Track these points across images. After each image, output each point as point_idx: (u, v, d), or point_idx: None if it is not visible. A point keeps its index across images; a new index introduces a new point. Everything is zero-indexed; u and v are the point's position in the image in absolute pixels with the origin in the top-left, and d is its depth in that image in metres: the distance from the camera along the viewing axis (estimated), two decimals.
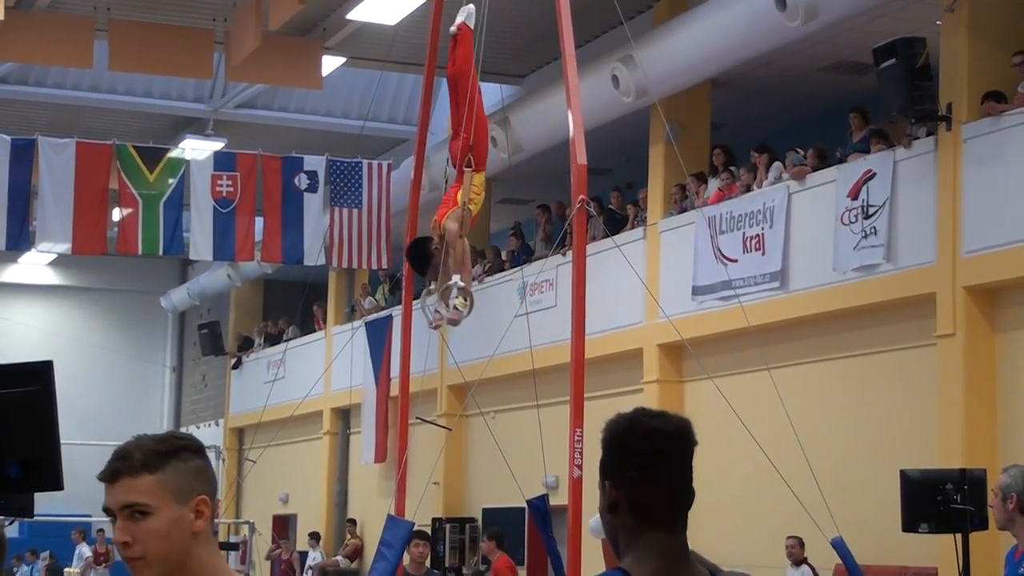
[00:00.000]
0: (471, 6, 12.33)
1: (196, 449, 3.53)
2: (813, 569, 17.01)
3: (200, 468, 3.52)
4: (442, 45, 13.57)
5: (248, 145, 22.89)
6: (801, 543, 16.83)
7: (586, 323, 10.24)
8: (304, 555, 29.86)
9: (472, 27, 12.29)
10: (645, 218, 20.83)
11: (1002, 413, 15.35)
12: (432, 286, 12.12)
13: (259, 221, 21.05)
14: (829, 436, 16.37)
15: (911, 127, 16.24)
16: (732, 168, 19.61)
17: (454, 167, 12.16)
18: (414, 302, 14.21)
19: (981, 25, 15.82)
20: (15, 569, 29.75)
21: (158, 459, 3.43)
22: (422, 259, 12.00)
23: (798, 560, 17.07)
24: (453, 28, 12.31)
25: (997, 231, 15.09)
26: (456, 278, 11.60)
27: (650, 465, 3.50)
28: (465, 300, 11.61)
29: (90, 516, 32.69)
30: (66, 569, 28.89)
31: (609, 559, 3.62)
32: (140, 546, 3.40)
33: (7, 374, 4.86)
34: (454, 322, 11.88)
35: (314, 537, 30.05)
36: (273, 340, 34.77)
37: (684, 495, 3.56)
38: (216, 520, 22.97)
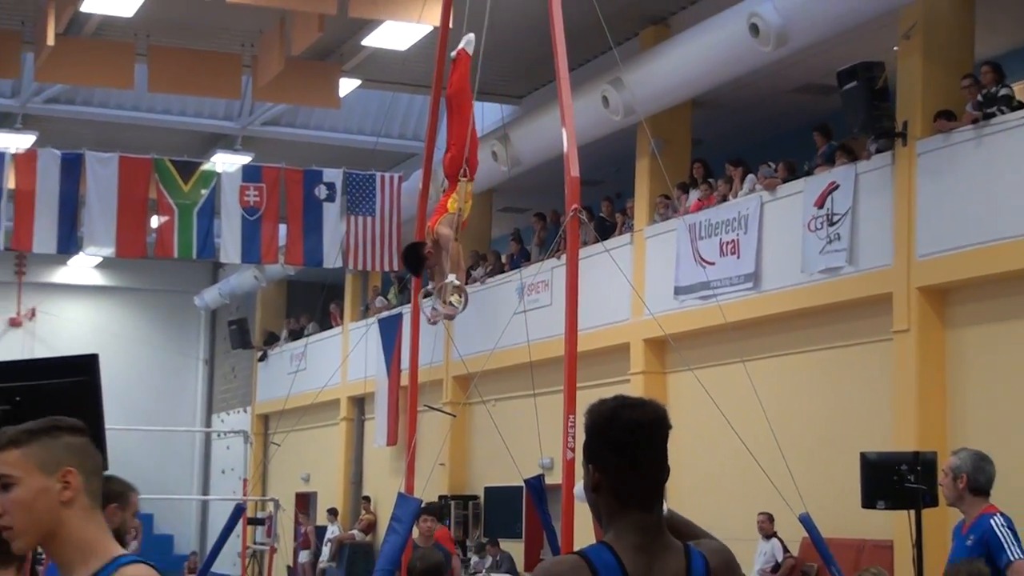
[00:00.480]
0: (471, 35, 12.33)
1: (71, 428, 3.51)
2: (782, 542, 17.05)
3: (71, 444, 3.49)
4: (448, 69, 13.59)
5: (273, 159, 22.88)
6: (771, 518, 16.86)
7: (578, 320, 10.23)
8: (323, 529, 29.88)
9: (471, 53, 12.26)
10: (632, 225, 20.85)
11: (951, 402, 15.37)
12: (433, 285, 12.15)
13: (283, 228, 21.08)
14: (797, 422, 16.39)
15: (871, 143, 16.26)
16: (710, 180, 19.64)
17: (446, 178, 12.19)
18: (422, 301, 14.24)
19: (933, 51, 15.84)
20: None
21: (26, 436, 3.43)
22: (416, 262, 12.06)
23: (768, 534, 17.10)
24: (453, 53, 12.32)
25: (948, 237, 15.11)
26: (451, 277, 11.63)
27: (629, 453, 3.55)
28: (460, 297, 11.64)
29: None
30: None
31: (597, 531, 3.66)
32: (9, 516, 3.39)
33: (58, 366, 4.89)
34: (450, 316, 11.91)
35: (332, 512, 30.05)
36: (295, 335, 34.76)
37: (659, 477, 3.59)
38: (245, 497, 23.00)
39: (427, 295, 15.85)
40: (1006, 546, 7.59)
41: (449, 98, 12.28)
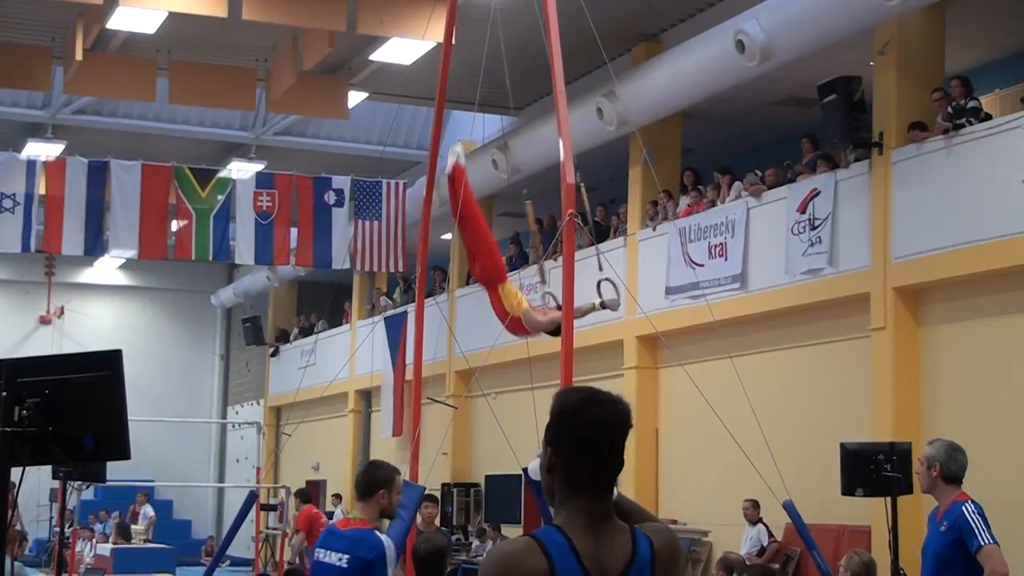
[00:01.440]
0: (458, 146, 12.14)
1: None
2: (767, 527, 17.02)
3: None
4: (451, 84, 13.56)
5: (285, 167, 22.85)
6: (756, 505, 16.82)
7: (574, 318, 10.23)
8: (330, 515, 29.86)
9: (464, 165, 11.95)
10: (625, 229, 20.84)
11: (924, 395, 15.37)
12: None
13: (294, 231, 21.04)
14: (781, 414, 16.37)
15: (849, 152, 16.25)
16: (699, 187, 19.63)
17: (483, 286, 12.17)
18: (426, 299, 14.21)
19: (907, 66, 15.85)
20: (92, 525, 29.71)
21: None
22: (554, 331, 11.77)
23: (753, 520, 17.06)
24: (448, 170, 11.93)
25: (921, 240, 15.11)
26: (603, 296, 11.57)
27: (589, 447, 3.54)
28: (610, 287, 11.57)
29: (153, 481, 32.73)
30: (132, 527, 28.82)
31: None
32: None
33: (84, 361, 4.86)
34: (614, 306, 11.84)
35: (336, 497, 30.07)
36: (306, 332, 34.75)
37: (613, 470, 3.58)
38: (258, 485, 22.95)
39: (430, 295, 15.77)
40: (977, 532, 7.60)
41: (461, 218, 11.96)
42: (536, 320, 11.58)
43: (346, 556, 7.22)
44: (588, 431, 3.52)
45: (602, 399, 3.57)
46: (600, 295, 11.73)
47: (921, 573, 7.99)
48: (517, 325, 11.76)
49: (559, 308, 11.20)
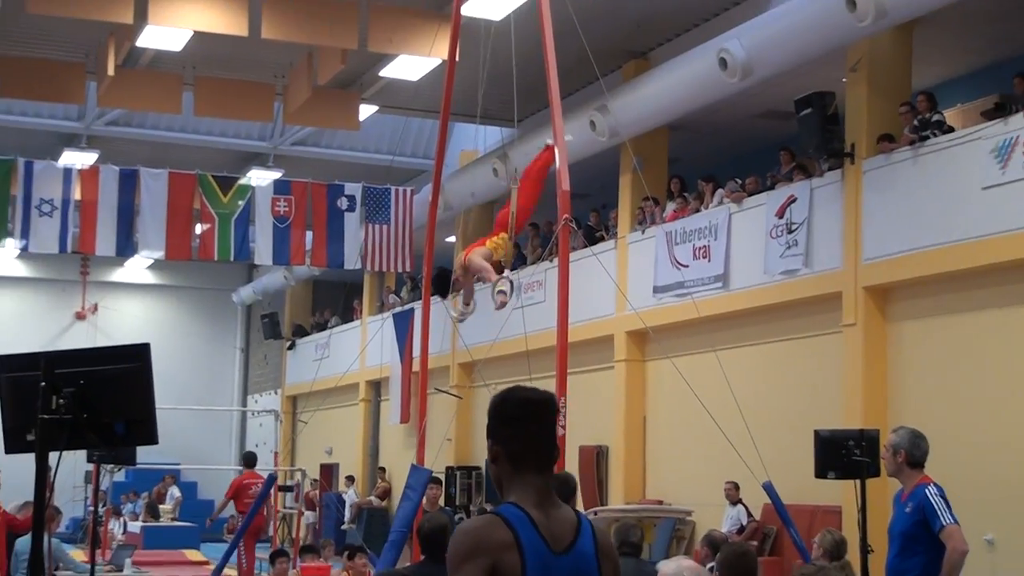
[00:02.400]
0: (571, 137, 12.38)
1: None
2: (747, 507, 17.03)
3: None
4: (455, 98, 13.55)
5: (301, 175, 22.85)
6: (736, 487, 16.84)
7: (569, 314, 10.23)
8: (340, 496, 29.89)
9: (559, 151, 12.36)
10: (616, 233, 20.82)
11: (891, 386, 15.38)
12: (457, 298, 12.12)
13: (309, 234, 21.06)
14: (760, 403, 16.36)
15: (823, 162, 16.25)
16: (685, 194, 19.62)
17: (496, 223, 12.14)
18: (432, 297, 14.20)
19: (877, 82, 15.85)
20: (122, 506, 29.70)
21: None
22: (442, 286, 12.01)
23: (734, 500, 17.08)
24: (549, 140, 12.26)
25: (889, 243, 15.12)
26: (496, 279, 11.61)
27: (519, 425, 3.71)
28: (506, 284, 11.59)
29: (179, 464, 32.72)
30: (161, 506, 28.82)
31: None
32: None
33: (114, 354, 4.88)
34: (503, 305, 11.81)
35: (349, 479, 30.08)
36: (320, 327, 34.73)
37: (547, 448, 3.74)
38: (276, 468, 22.95)
39: (434, 294, 15.77)
40: (939, 512, 7.62)
41: (529, 171, 12.39)
42: (480, 263, 11.61)
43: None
44: (516, 411, 3.71)
45: (525, 387, 3.80)
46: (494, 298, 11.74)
47: (888, 551, 8.00)
48: (468, 251, 11.84)
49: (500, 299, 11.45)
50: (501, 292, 11.46)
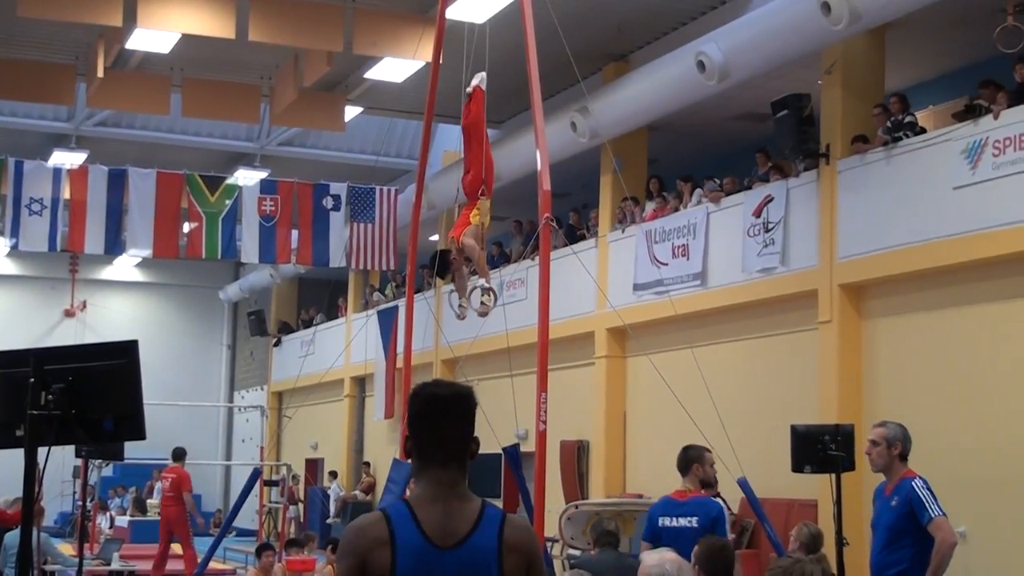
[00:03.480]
0: (483, 73, 12.12)
1: None
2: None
3: None
4: (439, 100, 13.54)
5: (287, 174, 22.80)
6: None
7: (550, 312, 10.22)
8: (326, 491, 29.86)
9: (484, 89, 12.00)
10: (596, 231, 20.83)
11: (866, 382, 15.42)
12: (454, 287, 11.97)
13: (295, 233, 21.01)
14: (737, 399, 16.40)
15: (799, 162, 16.28)
16: (664, 193, 19.63)
17: (466, 196, 11.94)
18: (415, 295, 14.18)
19: (851, 85, 15.89)
20: (109, 501, 29.61)
21: None
22: (443, 266, 11.85)
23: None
24: (469, 88, 12.00)
25: (863, 242, 15.15)
26: (482, 281, 11.54)
27: (424, 421, 3.71)
28: (490, 296, 11.56)
29: (166, 459, 32.57)
30: (148, 501, 28.76)
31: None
32: None
33: (103, 351, 4.85)
34: (483, 314, 11.76)
35: (332, 474, 30.04)
36: (306, 324, 34.69)
37: (454, 444, 3.71)
38: (262, 463, 22.91)
39: (419, 290, 15.73)
40: (927, 505, 7.59)
41: (466, 127, 11.98)
42: (471, 240, 11.53)
43: (695, 518, 8.00)
44: (422, 405, 3.72)
45: (439, 383, 3.79)
46: (472, 303, 11.69)
47: (873, 546, 7.96)
48: (458, 232, 11.65)
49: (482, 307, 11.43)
50: (484, 304, 11.44)
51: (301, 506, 29.92)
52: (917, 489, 7.68)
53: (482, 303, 11.47)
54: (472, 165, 11.79)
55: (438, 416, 3.70)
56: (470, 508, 3.66)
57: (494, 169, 11.87)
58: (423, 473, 3.70)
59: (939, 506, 7.63)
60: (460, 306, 11.88)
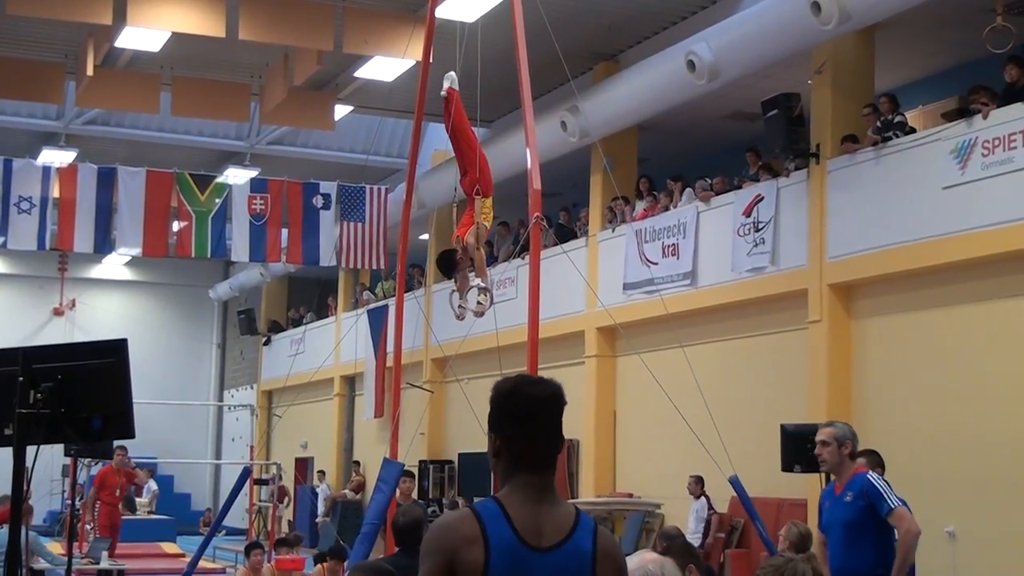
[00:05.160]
0: (452, 73, 12.07)
1: None
2: (709, 500, 17.02)
3: None
4: (429, 99, 13.52)
5: (277, 173, 22.78)
6: (699, 481, 16.79)
7: (539, 311, 10.21)
8: (314, 490, 29.82)
9: (456, 88, 11.93)
10: (587, 231, 20.84)
11: (855, 381, 15.44)
12: (456, 287, 11.89)
13: (284, 232, 21.00)
14: (727, 399, 16.40)
15: (789, 162, 16.29)
16: (654, 193, 19.65)
17: (465, 197, 11.86)
18: (405, 294, 14.15)
19: (841, 85, 15.90)
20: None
21: None
22: (449, 266, 11.74)
23: (696, 494, 17.05)
24: (443, 92, 11.87)
25: (853, 241, 15.17)
26: (477, 281, 11.48)
27: (525, 423, 3.53)
28: (486, 296, 11.51)
29: (156, 458, 32.56)
30: (138, 500, 28.69)
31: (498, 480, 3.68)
32: None
33: (92, 349, 4.85)
34: (480, 314, 11.69)
35: (320, 473, 30.00)
36: (295, 323, 34.66)
37: (553, 445, 3.56)
38: (251, 461, 22.87)
39: (409, 289, 15.71)
40: (885, 496, 7.55)
41: (452, 133, 11.83)
42: (472, 240, 11.45)
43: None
44: (524, 408, 3.52)
45: (533, 380, 3.59)
46: (467, 304, 11.62)
47: (830, 548, 7.87)
48: (463, 231, 11.58)
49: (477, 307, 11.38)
50: (480, 304, 11.39)
51: (282, 505, 29.82)
52: (873, 481, 7.65)
53: (478, 303, 11.42)
54: (467, 167, 11.72)
55: (537, 418, 3.54)
56: (565, 511, 3.54)
57: (489, 167, 11.79)
58: (512, 477, 3.53)
59: (897, 496, 7.59)
60: (459, 306, 11.82)
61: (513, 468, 3.54)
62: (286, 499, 29.61)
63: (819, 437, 7.94)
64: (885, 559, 7.54)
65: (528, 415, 3.53)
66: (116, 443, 15.00)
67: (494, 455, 3.58)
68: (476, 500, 3.53)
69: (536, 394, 3.54)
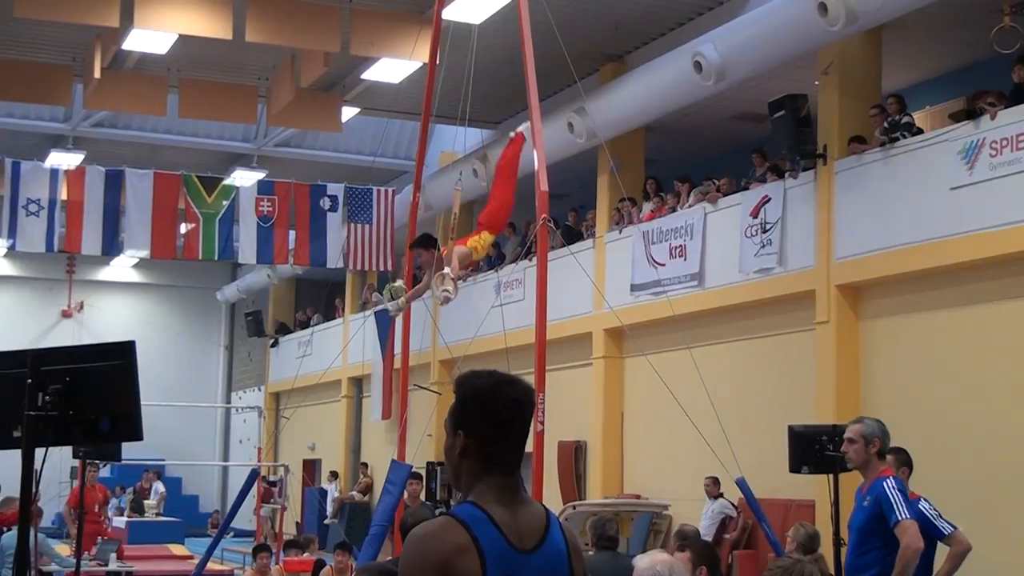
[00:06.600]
0: (528, 123, 12.06)
1: None
2: (731, 502, 16.93)
3: None
4: (435, 100, 13.52)
5: (284, 175, 22.80)
6: (716, 482, 16.69)
7: (547, 312, 10.22)
8: (324, 491, 29.82)
9: (527, 137, 11.95)
10: (594, 232, 20.83)
11: (863, 382, 15.42)
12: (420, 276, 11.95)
13: (292, 234, 21.02)
14: (735, 400, 16.39)
15: (796, 163, 16.28)
16: (661, 194, 19.63)
17: (478, 223, 11.88)
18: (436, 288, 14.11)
19: (848, 85, 15.89)
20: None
21: None
22: (423, 243, 11.75)
23: (714, 495, 16.97)
24: (512, 133, 12.10)
25: (861, 242, 15.15)
26: (447, 269, 11.45)
27: (505, 426, 3.43)
28: (451, 284, 11.45)
29: (163, 460, 32.61)
30: (145, 501, 28.74)
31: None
32: None
33: (101, 351, 4.85)
34: (445, 301, 11.65)
35: (333, 475, 29.99)
36: (303, 325, 34.65)
37: (522, 447, 3.48)
38: (259, 463, 22.88)
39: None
40: (895, 507, 7.49)
41: (500, 168, 11.99)
42: (454, 259, 11.41)
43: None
44: (506, 413, 3.42)
45: (509, 380, 3.47)
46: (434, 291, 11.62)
47: (848, 546, 7.93)
48: (455, 243, 11.60)
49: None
50: (446, 291, 11.34)
51: (280, 507, 29.77)
52: (888, 490, 7.57)
53: (444, 290, 11.32)
54: (495, 201, 11.80)
55: (517, 421, 3.44)
56: (536, 510, 3.46)
57: (510, 213, 11.90)
58: (482, 479, 3.42)
59: (908, 509, 7.52)
60: (444, 290, 11.80)
61: (484, 469, 3.42)
62: (271, 499, 29.59)
63: (847, 434, 7.87)
64: (888, 570, 7.52)
65: (510, 419, 3.43)
66: (88, 460, 14.99)
67: (460, 455, 3.44)
68: (452, 506, 3.45)
69: (517, 396, 3.44)
